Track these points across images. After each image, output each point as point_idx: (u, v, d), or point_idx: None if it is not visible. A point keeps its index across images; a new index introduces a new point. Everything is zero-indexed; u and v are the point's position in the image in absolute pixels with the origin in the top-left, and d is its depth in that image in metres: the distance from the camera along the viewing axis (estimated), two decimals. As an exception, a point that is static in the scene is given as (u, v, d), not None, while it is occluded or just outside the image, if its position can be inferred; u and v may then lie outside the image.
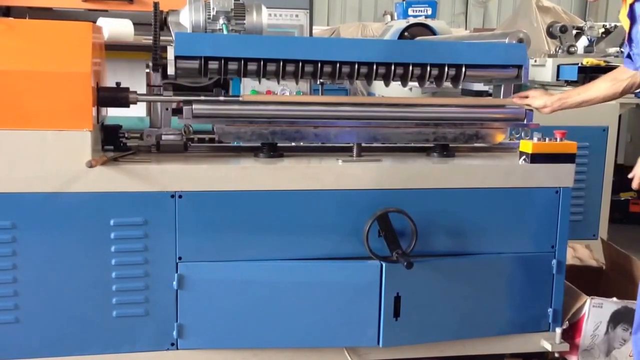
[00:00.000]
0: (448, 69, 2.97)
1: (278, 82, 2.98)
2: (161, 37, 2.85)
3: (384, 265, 2.74)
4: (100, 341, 2.63)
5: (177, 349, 2.70)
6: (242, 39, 2.88)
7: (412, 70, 2.95)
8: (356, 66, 2.89)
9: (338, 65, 2.87)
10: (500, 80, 3.16)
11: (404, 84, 3.04)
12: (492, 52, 3.09)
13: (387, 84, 3.04)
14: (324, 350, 2.84)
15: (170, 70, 2.72)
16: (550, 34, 4.95)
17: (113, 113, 3.16)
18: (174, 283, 2.64)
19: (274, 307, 2.73)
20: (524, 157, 2.91)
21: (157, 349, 2.68)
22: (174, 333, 2.67)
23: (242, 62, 2.78)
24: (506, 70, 3.07)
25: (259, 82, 2.97)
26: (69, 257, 2.55)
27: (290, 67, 2.85)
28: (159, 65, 2.76)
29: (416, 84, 3.10)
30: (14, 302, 2.54)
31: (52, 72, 2.43)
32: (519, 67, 3.06)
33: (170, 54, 2.70)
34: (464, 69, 2.99)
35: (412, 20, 5.22)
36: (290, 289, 2.73)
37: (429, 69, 2.96)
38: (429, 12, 5.32)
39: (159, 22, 2.84)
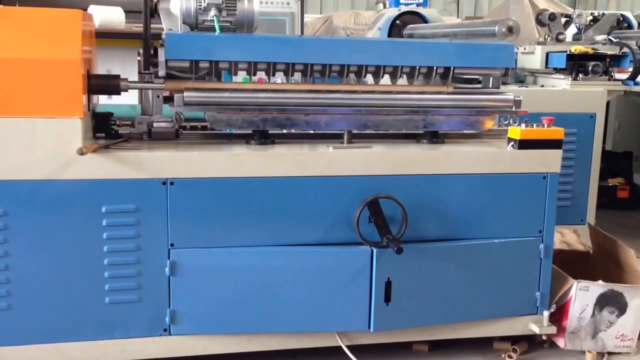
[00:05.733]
0: (437, 69, 3.00)
1: (269, 80, 2.99)
2: (151, 25, 2.84)
3: (374, 250, 2.77)
4: (93, 327, 2.65)
5: (170, 334, 2.72)
6: (232, 41, 2.86)
7: (401, 69, 2.99)
8: (346, 66, 2.91)
9: (328, 65, 2.89)
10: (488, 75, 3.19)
11: (394, 82, 3.07)
12: (480, 54, 3.10)
13: (376, 82, 3.06)
14: (315, 334, 2.87)
15: (162, 72, 2.72)
16: (539, 22, 4.96)
17: (105, 101, 3.16)
18: (167, 269, 2.66)
19: (266, 293, 2.76)
20: (512, 143, 2.95)
21: (150, 334, 2.71)
22: (167, 319, 2.70)
23: (233, 63, 2.79)
24: (494, 69, 3.11)
25: (250, 80, 2.98)
26: (61, 244, 2.57)
27: (280, 67, 2.88)
28: (150, 64, 2.75)
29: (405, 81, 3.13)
30: (6, 289, 2.55)
31: (42, 59, 2.43)
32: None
33: (162, 56, 2.69)
34: (452, 69, 3.02)
35: (404, 9, 5.21)
36: (282, 274, 2.76)
37: (417, 68, 2.99)
38: (421, 0, 5.33)
39: (149, 10, 2.83)
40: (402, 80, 3.10)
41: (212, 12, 2.88)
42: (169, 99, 2.81)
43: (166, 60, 2.70)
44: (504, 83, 3.58)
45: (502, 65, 3.08)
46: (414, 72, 3.01)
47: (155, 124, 2.85)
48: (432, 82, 3.07)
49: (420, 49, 3.11)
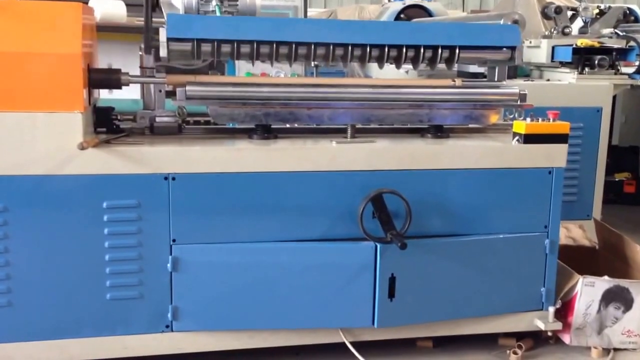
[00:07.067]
0: (441, 50, 2.96)
1: (272, 65, 2.96)
2: (153, 19, 2.82)
3: (378, 246, 2.75)
4: (94, 324, 2.63)
5: (172, 331, 2.70)
6: (234, 20, 2.86)
7: (406, 52, 2.94)
8: (349, 48, 2.88)
9: (331, 47, 2.85)
10: (494, 62, 3.15)
11: (398, 67, 3.03)
12: (485, 33, 3.07)
13: (380, 67, 3.03)
14: (318, 331, 2.85)
15: (163, 53, 2.70)
16: (545, 15, 4.92)
17: (108, 96, 3.14)
18: (168, 265, 2.64)
19: (269, 289, 2.74)
20: (517, 137, 2.92)
21: (151, 331, 2.69)
22: (169, 315, 2.68)
23: (235, 44, 2.76)
24: (500, 51, 3.07)
25: (253, 65, 2.95)
26: (61, 240, 2.55)
27: (283, 50, 2.83)
28: (151, 47, 2.74)
29: (410, 66, 3.09)
30: (7, 286, 2.54)
31: (42, 53, 2.41)
32: (513, 48, 3.05)
33: (163, 35, 2.67)
34: (457, 51, 2.98)
35: (408, 2, 5.21)
36: (285, 270, 2.74)
37: (422, 50, 2.94)
38: (425, -6, 5.31)
39: (151, 2, 2.81)
40: (408, 70, 3.06)
41: (214, 1, 2.86)
42: (171, 94, 2.79)
43: (167, 41, 2.66)
44: (510, 77, 3.56)
45: (507, 44, 3.02)
46: (419, 55, 2.95)
47: (157, 119, 2.82)
48: (436, 66, 3.02)
49: (425, 28, 3.07)
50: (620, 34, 4.80)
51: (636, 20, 5.22)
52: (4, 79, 2.40)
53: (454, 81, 3.12)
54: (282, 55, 2.85)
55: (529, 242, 2.97)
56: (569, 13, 4.84)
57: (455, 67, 3.18)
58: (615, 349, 3.10)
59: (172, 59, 2.76)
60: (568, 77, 4.33)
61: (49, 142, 2.46)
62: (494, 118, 3.10)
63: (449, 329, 2.99)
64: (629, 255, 3.30)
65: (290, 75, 3.98)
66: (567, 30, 4.66)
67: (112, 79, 2.71)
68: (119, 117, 2.85)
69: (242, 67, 4.09)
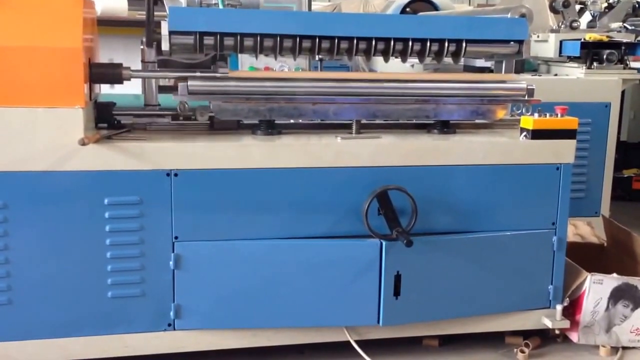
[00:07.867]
0: (448, 44, 2.91)
1: (275, 58, 2.92)
2: (155, 12, 2.79)
3: (383, 243, 2.71)
4: (96, 322, 2.61)
5: (175, 329, 2.68)
6: (238, 13, 2.82)
7: (412, 45, 2.90)
8: (355, 41, 2.83)
9: (336, 40, 2.81)
10: (501, 55, 3.10)
11: (404, 60, 2.99)
12: (492, 27, 3.03)
13: (386, 60, 2.99)
14: (323, 329, 2.82)
15: (165, 46, 2.66)
16: (553, 9, 4.86)
17: (109, 90, 3.11)
18: (171, 263, 2.61)
19: (273, 287, 2.71)
20: (524, 133, 2.88)
21: (154, 329, 2.66)
22: (171, 313, 2.65)
23: (239, 37, 2.72)
24: (507, 45, 3.02)
25: (256, 58, 2.91)
26: (62, 237, 2.52)
27: (287, 43, 2.79)
28: (153, 40, 2.70)
29: (416, 60, 3.05)
30: (7, 283, 2.51)
31: (42, 47, 2.38)
32: (520, 42, 3.01)
33: (165, 29, 2.64)
34: (464, 44, 2.93)
35: (414, -5, 5.16)
36: (289, 268, 2.71)
37: (428, 44, 2.90)
38: (431, -13, 5.27)
39: (153, -4, 2.78)
40: (413, 60, 3.01)
41: (217, -5, 2.83)
42: (172, 89, 2.75)
43: (170, 34, 2.61)
44: (517, 72, 3.50)
45: (515, 38, 2.97)
46: (425, 48, 2.90)
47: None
48: (443, 59, 2.97)
49: (432, 21, 3.03)
50: (629, 28, 4.75)
51: (645, 14, 5.16)
52: (4, 74, 2.37)
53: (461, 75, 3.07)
54: (286, 49, 2.81)
55: (537, 239, 2.93)
56: (577, 7, 4.79)
57: (462, 61, 3.13)
58: (624, 348, 3.07)
59: (174, 52, 2.72)
60: (576, 71, 4.28)
61: (49, 137, 2.43)
62: (501, 113, 3.06)
63: (455, 327, 2.96)
64: (638, 253, 3.26)
65: (294, 69, 3.94)
66: (575, 24, 4.60)
67: (113, 73, 2.68)
68: (179, 114, 2.80)
69: (245, 61, 4.05)
